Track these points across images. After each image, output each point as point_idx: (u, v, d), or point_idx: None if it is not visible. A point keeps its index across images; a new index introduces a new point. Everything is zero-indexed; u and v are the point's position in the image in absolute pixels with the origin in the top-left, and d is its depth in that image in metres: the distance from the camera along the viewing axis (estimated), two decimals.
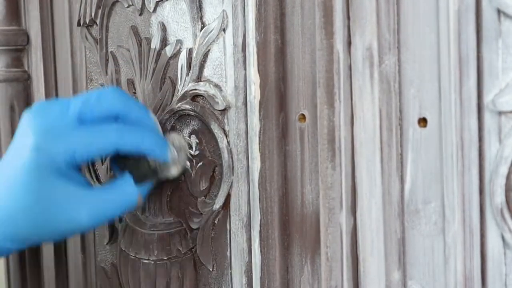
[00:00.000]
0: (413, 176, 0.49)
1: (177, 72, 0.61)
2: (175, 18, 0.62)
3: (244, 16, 0.56)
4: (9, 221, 0.56)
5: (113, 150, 0.57)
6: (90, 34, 0.69)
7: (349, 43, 0.51)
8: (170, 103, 0.62)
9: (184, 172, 0.62)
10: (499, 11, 0.45)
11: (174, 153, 0.60)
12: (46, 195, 0.56)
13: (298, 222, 0.55)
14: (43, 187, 0.55)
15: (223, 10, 0.58)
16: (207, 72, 0.60)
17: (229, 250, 0.60)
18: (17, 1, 0.74)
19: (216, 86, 0.59)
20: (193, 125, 0.61)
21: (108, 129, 0.57)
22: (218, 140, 0.59)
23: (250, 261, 0.58)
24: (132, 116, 0.58)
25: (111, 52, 0.67)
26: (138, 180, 0.59)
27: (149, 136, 0.58)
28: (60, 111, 0.57)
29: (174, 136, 0.61)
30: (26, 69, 0.75)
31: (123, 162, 0.60)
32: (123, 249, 0.65)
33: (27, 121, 0.57)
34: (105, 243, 0.70)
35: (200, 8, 0.59)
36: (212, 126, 0.59)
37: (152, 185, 0.61)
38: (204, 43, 0.59)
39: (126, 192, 0.59)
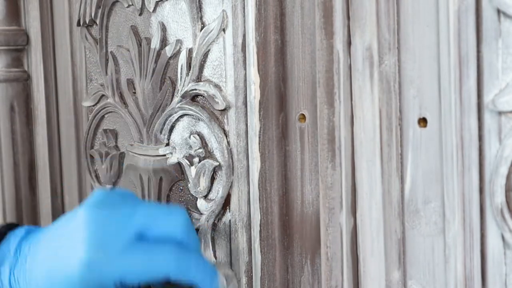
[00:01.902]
0: (413, 176, 0.49)
1: (177, 72, 0.61)
2: (175, 18, 0.62)
3: (244, 16, 0.56)
4: None
5: (165, 277, 0.54)
6: (90, 34, 0.69)
7: (349, 43, 0.51)
8: (170, 103, 0.62)
9: None
10: (499, 11, 0.45)
11: (224, 283, 0.58)
12: None
13: (298, 222, 0.55)
14: None
15: (223, 10, 0.58)
16: (207, 72, 0.60)
17: (229, 250, 0.60)
18: (17, 1, 0.74)
19: (216, 86, 0.59)
20: (193, 125, 0.61)
21: (166, 257, 0.53)
22: (218, 140, 0.59)
23: (250, 261, 0.58)
24: (190, 245, 0.55)
25: (111, 52, 0.67)
26: None
27: (202, 267, 0.55)
28: (121, 221, 0.53)
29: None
30: (26, 69, 0.75)
31: (168, 284, 0.57)
32: None
33: (83, 223, 0.53)
34: None
35: (200, 8, 0.59)
36: (212, 126, 0.59)
37: None
38: (204, 43, 0.59)
39: None
